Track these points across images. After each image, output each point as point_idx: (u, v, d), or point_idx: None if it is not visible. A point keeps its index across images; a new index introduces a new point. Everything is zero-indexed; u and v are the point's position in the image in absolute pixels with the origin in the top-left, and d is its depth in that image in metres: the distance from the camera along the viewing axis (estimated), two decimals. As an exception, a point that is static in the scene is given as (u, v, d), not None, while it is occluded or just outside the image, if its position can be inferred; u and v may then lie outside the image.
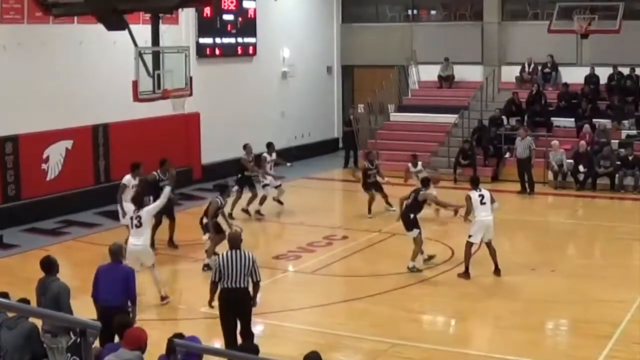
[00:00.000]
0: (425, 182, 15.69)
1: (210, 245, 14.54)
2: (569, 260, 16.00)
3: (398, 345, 11.23)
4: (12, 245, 16.34)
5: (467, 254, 14.17)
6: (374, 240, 16.78)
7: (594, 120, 22.99)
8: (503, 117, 24.03)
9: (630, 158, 21.42)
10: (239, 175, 18.57)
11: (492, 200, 14.45)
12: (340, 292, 13.98)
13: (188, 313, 12.48)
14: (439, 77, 26.54)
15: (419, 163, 19.06)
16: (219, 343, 10.45)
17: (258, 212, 18.67)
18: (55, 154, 18.76)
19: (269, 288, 12.87)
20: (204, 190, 20.56)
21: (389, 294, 13.40)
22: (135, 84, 13.45)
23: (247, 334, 10.23)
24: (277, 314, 12.35)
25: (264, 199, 18.76)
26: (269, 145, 19.20)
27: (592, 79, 24.29)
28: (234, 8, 23.81)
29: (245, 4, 24.26)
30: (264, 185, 18.81)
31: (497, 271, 14.15)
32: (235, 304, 10.20)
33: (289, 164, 19.95)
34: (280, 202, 19.34)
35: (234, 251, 10.26)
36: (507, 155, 23.01)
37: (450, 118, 24.52)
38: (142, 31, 14.26)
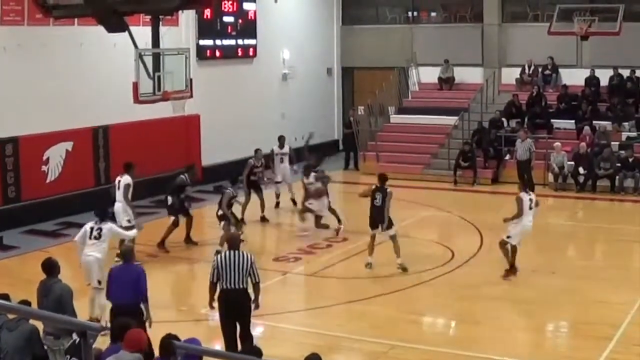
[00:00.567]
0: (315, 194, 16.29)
1: (223, 234, 15.04)
2: (569, 262, 16.00)
3: (398, 347, 11.23)
4: (12, 246, 16.34)
5: (504, 252, 14.10)
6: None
7: (594, 122, 22.98)
8: (503, 119, 24.02)
9: (630, 160, 21.41)
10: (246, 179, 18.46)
11: (537, 204, 14.37)
12: (340, 294, 13.98)
13: (189, 315, 12.48)
14: (439, 79, 26.54)
15: (312, 175, 17.45)
16: (219, 345, 10.45)
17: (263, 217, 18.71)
18: (56, 156, 18.76)
19: (269, 290, 12.86)
20: (205, 192, 20.54)
21: (389, 295, 13.40)
22: (135, 86, 13.44)
23: (246, 336, 10.22)
24: (277, 316, 12.35)
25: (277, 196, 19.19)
26: (279, 139, 19.64)
27: (592, 80, 24.28)
28: (234, 10, 23.82)
29: (246, 6, 24.27)
30: (276, 182, 19.13)
31: (512, 270, 14.10)
32: (234, 305, 10.19)
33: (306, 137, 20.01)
34: (294, 202, 19.21)
35: (232, 252, 10.26)
36: (507, 157, 23.01)
37: (451, 120, 24.52)
38: (142, 33, 14.25)
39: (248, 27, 24.34)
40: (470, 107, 24.92)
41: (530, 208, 14.10)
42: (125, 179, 15.11)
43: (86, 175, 19.44)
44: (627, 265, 15.29)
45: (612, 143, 22.14)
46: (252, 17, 24.53)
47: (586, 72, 24.44)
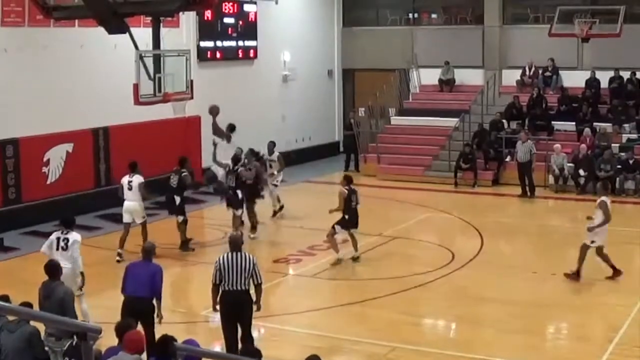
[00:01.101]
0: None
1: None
2: (569, 264, 15.97)
3: (398, 349, 11.23)
4: (13, 248, 16.35)
5: (582, 256, 14.06)
6: (375, 243, 16.76)
7: (594, 124, 22.98)
8: (504, 120, 24.03)
9: (630, 162, 21.41)
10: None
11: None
12: (341, 296, 13.97)
13: (189, 316, 12.48)
14: (440, 80, 26.54)
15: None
16: (219, 347, 10.45)
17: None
18: (56, 157, 18.76)
19: (269, 291, 12.87)
20: (205, 193, 20.53)
21: (389, 297, 13.38)
22: (136, 87, 13.44)
23: (247, 337, 10.21)
24: (277, 317, 12.35)
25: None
26: (268, 145, 19.35)
27: (592, 82, 24.28)
28: (234, 11, 23.84)
29: (246, 8, 24.29)
30: (274, 186, 18.94)
31: (577, 274, 14.04)
32: (235, 307, 10.18)
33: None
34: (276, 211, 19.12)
35: (234, 253, 10.24)
36: (508, 159, 23.00)
37: (451, 122, 24.50)
38: (143, 34, 14.26)
39: (249, 29, 24.36)
40: (471, 108, 24.91)
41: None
42: (138, 178, 15.40)
43: (86, 176, 19.45)
44: (628, 267, 15.24)
45: (613, 145, 22.14)
46: (253, 19, 24.55)
47: (587, 74, 24.44)
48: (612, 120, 23.16)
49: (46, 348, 8.92)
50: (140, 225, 15.55)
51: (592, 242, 14.05)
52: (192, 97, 14.96)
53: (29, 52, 17.94)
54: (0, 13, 17.45)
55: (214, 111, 17.71)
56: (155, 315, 10.23)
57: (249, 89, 24.42)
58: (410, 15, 28.36)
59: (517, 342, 11.56)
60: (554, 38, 22.87)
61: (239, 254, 10.24)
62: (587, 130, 22.59)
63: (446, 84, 26.45)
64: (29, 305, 8.38)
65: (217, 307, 10.34)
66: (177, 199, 16.04)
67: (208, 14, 22.56)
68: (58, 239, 11.55)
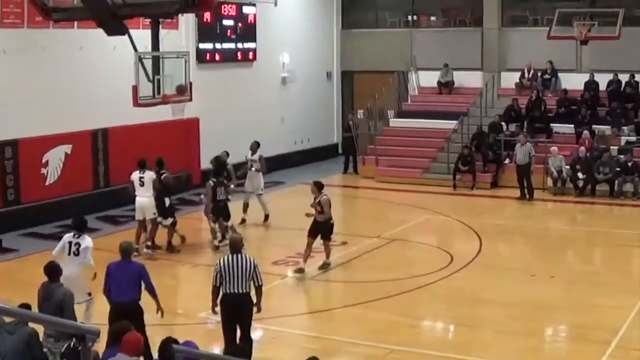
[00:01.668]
0: None
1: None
2: (568, 266, 16.01)
3: (396, 351, 11.23)
4: (12, 249, 16.34)
5: None
6: (373, 245, 16.77)
7: (593, 126, 22.99)
8: (502, 123, 24.03)
9: (629, 164, 21.42)
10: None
11: None
12: (339, 298, 13.98)
13: (187, 318, 12.47)
14: (439, 83, 26.55)
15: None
16: (218, 348, 10.45)
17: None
18: (55, 159, 18.76)
19: (267, 293, 12.79)
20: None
21: (388, 299, 13.39)
22: (135, 89, 13.43)
23: (245, 338, 10.20)
24: (275, 319, 12.33)
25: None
26: (251, 145, 18.90)
27: (591, 85, 24.29)
28: (234, 13, 23.85)
29: (245, 10, 24.30)
30: (259, 195, 18.65)
31: None
32: (236, 309, 10.18)
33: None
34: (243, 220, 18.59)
35: (235, 255, 10.24)
36: (507, 161, 23.01)
37: (450, 124, 24.51)
38: (142, 36, 14.25)
39: (248, 31, 24.37)
40: (470, 111, 24.92)
41: None
42: (150, 174, 15.67)
43: (85, 178, 19.45)
44: (626, 269, 15.29)
45: (612, 147, 22.15)
46: (252, 21, 24.56)
47: (585, 77, 24.45)
48: (610, 122, 23.16)
49: (45, 349, 8.91)
50: (150, 221, 15.65)
51: None
52: (191, 99, 14.96)
53: (28, 54, 17.93)
54: (0, 14, 17.44)
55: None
56: (156, 312, 10.22)
57: (247, 90, 24.42)
58: (409, 18, 28.37)
59: (515, 344, 11.56)
60: (552, 40, 22.86)
61: (239, 256, 10.24)
62: (585, 132, 22.60)
63: (445, 86, 26.47)
64: (28, 306, 8.38)
65: (216, 309, 10.32)
66: (167, 201, 16.07)
67: (207, 15, 22.54)
68: (70, 243, 11.37)
